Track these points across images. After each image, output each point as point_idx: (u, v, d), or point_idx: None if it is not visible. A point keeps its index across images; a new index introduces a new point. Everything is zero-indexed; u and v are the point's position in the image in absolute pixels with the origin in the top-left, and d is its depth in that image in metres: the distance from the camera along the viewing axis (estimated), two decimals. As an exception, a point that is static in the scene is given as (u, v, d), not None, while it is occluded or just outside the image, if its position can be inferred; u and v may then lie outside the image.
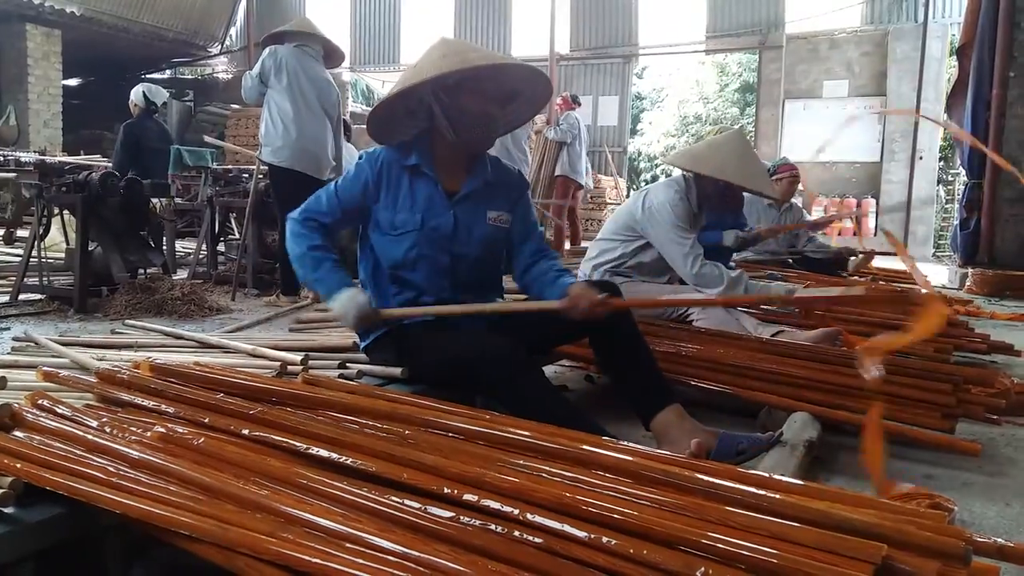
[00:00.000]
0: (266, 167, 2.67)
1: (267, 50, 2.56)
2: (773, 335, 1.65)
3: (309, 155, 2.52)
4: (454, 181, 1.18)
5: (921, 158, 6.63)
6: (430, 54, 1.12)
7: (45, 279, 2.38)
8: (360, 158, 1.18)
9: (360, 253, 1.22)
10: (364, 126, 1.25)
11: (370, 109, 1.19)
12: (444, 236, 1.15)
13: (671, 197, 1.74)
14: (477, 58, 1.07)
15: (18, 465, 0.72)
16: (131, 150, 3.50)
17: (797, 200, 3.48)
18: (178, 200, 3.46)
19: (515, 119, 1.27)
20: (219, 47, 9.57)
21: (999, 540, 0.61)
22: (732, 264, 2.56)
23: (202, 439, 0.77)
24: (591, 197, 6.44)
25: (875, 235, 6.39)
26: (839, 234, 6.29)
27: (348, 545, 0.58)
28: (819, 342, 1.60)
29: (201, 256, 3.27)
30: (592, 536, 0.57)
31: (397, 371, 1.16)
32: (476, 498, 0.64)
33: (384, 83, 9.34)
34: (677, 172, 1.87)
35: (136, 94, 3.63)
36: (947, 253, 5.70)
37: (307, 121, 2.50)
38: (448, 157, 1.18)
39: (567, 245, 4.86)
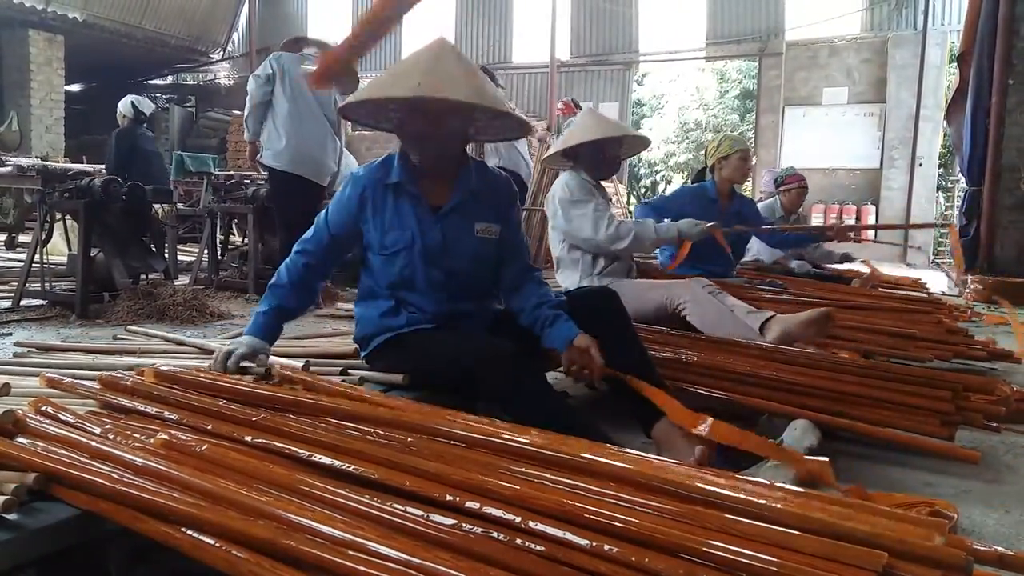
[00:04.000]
0: (267, 171, 2.69)
1: (271, 55, 2.62)
2: (766, 321, 1.65)
3: (309, 160, 2.55)
4: (439, 194, 1.16)
5: (921, 165, 6.66)
6: (393, 68, 1.11)
7: (47, 285, 2.40)
8: (347, 180, 1.18)
9: (362, 274, 1.22)
10: (364, 132, 1.27)
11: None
12: (434, 252, 1.14)
13: (565, 180, 1.84)
14: (401, 92, 1.03)
15: (22, 471, 0.72)
16: (125, 155, 3.53)
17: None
18: (180, 206, 3.48)
19: (507, 132, 1.26)
20: (221, 53, 9.64)
21: (999, 548, 0.62)
22: (734, 273, 2.57)
23: (205, 446, 0.78)
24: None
25: (875, 240, 6.38)
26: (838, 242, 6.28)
27: (350, 552, 0.58)
28: (812, 322, 1.59)
29: (203, 262, 3.28)
30: (594, 544, 0.58)
31: (399, 377, 1.16)
32: (478, 505, 0.64)
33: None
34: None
35: (125, 106, 3.66)
36: (946, 260, 5.70)
37: (308, 126, 2.53)
38: (429, 170, 1.16)
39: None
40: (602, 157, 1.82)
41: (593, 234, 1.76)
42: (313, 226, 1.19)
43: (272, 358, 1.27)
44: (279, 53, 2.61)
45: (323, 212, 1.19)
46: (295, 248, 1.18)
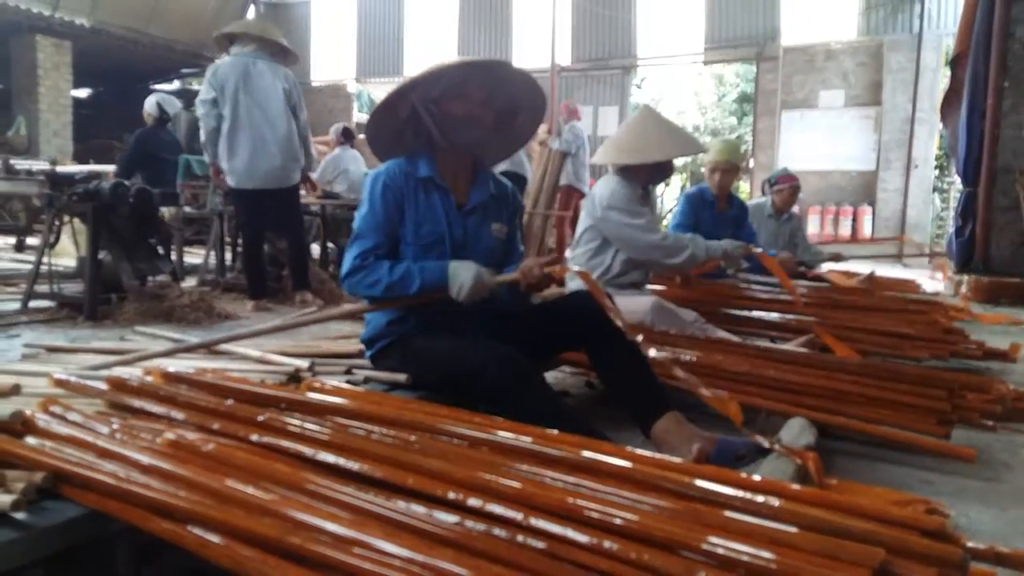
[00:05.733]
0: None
1: (208, 71, 2.52)
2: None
3: (256, 171, 2.48)
4: (461, 193, 1.22)
5: (916, 167, 6.68)
6: (417, 72, 1.17)
7: (55, 286, 2.39)
8: (375, 180, 1.19)
9: None
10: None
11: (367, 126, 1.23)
12: (458, 246, 1.19)
13: (613, 187, 1.84)
14: (452, 61, 1.13)
15: (30, 470, 0.73)
16: (138, 158, 3.53)
17: (795, 208, 3.52)
18: (187, 209, 3.50)
19: (522, 134, 1.32)
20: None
21: (996, 545, 0.62)
22: (731, 273, 2.58)
23: (211, 445, 0.79)
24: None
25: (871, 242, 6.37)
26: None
27: (355, 549, 0.59)
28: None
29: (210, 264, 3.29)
30: (594, 540, 0.58)
31: (402, 377, 1.18)
32: (480, 503, 0.65)
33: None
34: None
35: (150, 104, 3.66)
36: (942, 261, 5.70)
37: (248, 136, 2.44)
38: (453, 169, 1.22)
39: (568, 253, 4.87)
40: (663, 165, 1.86)
41: (649, 245, 1.78)
42: (364, 239, 1.14)
43: (281, 358, 1.27)
44: (215, 66, 2.50)
45: (362, 223, 1.16)
46: (357, 262, 1.14)
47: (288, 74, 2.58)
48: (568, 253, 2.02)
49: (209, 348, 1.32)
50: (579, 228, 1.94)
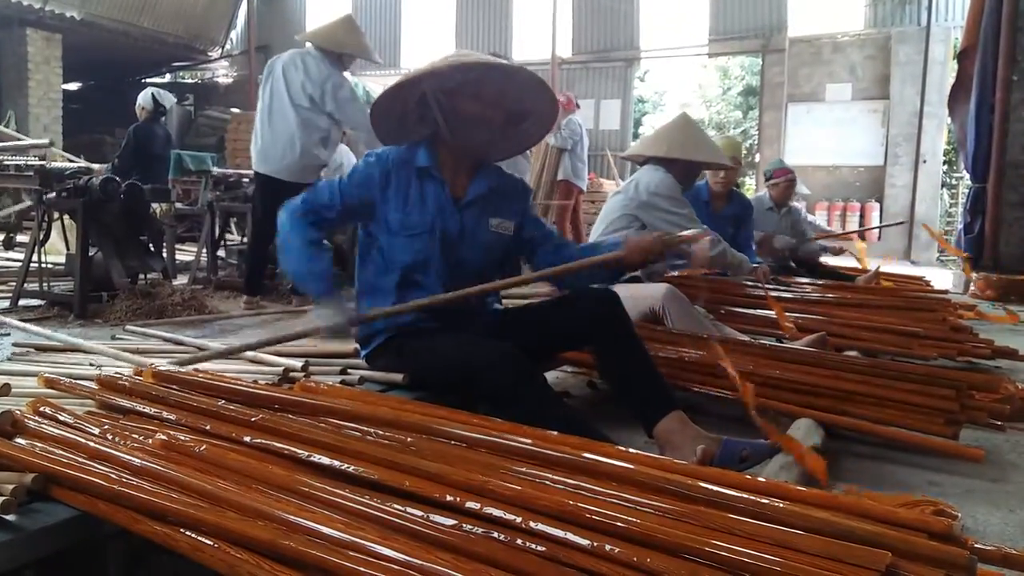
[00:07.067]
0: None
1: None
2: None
3: (271, 157, 2.47)
4: (460, 186, 1.20)
5: (925, 162, 6.62)
6: (434, 59, 1.15)
7: (45, 284, 2.38)
8: (369, 158, 1.19)
9: (363, 256, 1.22)
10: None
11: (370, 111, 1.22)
12: (452, 239, 1.16)
13: (661, 176, 1.89)
14: (472, 59, 1.11)
15: (20, 472, 0.72)
16: (139, 154, 3.49)
17: (801, 204, 3.48)
18: (178, 205, 3.47)
19: (527, 139, 1.30)
20: (219, 51, 9.61)
21: (1004, 547, 0.61)
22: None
23: (204, 446, 0.77)
24: (591, 200, 6.46)
25: (879, 239, 6.37)
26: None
27: (350, 553, 0.58)
28: (810, 347, 1.61)
29: (202, 262, 3.27)
30: (595, 544, 0.57)
31: (398, 377, 1.16)
32: (479, 506, 0.64)
33: (385, 87, 9.37)
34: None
35: (145, 98, 3.61)
36: (951, 257, 5.68)
37: (274, 122, 2.44)
38: (453, 162, 1.20)
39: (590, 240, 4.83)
40: (695, 171, 1.96)
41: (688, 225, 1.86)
42: (322, 192, 1.16)
43: (274, 358, 1.26)
44: (278, 55, 2.57)
45: (333, 181, 1.18)
46: (298, 209, 1.14)
47: (331, 81, 2.44)
48: (590, 240, 2.03)
49: (256, 350, 1.29)
50: (608, 216, 1.94)
